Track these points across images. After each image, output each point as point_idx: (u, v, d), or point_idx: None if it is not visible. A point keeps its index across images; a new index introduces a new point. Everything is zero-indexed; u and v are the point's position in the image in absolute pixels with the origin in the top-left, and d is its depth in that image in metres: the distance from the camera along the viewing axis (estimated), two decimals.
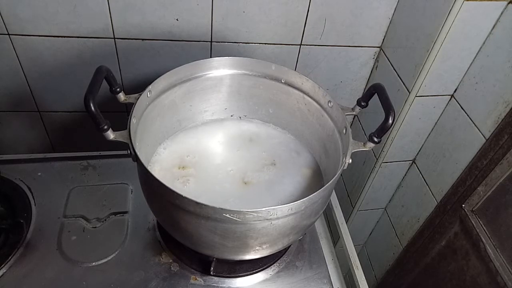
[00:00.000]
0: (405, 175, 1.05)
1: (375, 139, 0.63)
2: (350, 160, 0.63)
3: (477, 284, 0.79)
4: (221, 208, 0.53)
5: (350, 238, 0.87)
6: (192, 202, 0.53)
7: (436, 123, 0.91)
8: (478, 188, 0.78)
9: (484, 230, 0.77)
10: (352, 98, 1.05)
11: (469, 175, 0.81)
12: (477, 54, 0.78)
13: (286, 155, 0.83)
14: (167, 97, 0.75)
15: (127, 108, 0.95)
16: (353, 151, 0.64)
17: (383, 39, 0.93)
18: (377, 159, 1.00)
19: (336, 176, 0.61)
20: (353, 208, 1.16)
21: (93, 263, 0.72)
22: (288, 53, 0.92)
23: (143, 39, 0.83)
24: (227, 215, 0.54)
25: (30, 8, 0.75)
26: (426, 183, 0.96)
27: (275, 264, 0.77)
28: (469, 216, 0.80)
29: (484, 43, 0.76)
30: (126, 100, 0.67)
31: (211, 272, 0.73)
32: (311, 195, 0.56)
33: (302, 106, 0.80)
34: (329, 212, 0.95)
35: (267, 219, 0.56)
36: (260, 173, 0.78)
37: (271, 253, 0.68)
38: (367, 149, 0.65)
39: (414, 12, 0.82)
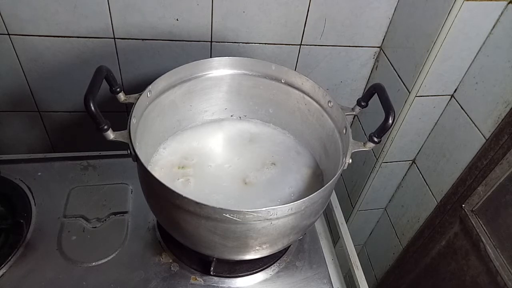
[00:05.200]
0: (405, 175, 1.05)
1: (375, 139, 0.63)
2: (350, 160, 0.63)
3: (477, 284, 0.79)
4: (221, 208, 0.53)
5: (350, 238, 0.87)
6: (192, 202, 0.53)
7: (436, 123, 0.91)
8: (478, 188, 0.78)
9: (484, 230, 0.77)
10: (352, 98, 1.05)
11: (469, 175, 0.81)
12: (477, 54, 0.78)
13: (286, 155, 0.82)
14: (167, 97, 0.75)
15: (127, 108, 0.95)
16: (353, 151, 0.64)
17: (383, 39, 0.93)
18: (377, 159, 1.01)
19: (336, 176, 0.61)
20: (353, 208, 1.16)
21: (93, 263, 0.72)
22: (288, 53, 0.92)
23: (143, 39, 0.83)
24: (227, 215, 0.54)
25: (30, 8, 0.75)
26: (426, 183, 0.96)
27: (275, 264, 0.77)
28: (469, 216, 0.80)
29: (484, 43, 0.76)
30: (126, 100, 0.67)
31: (211, 272, 0.73)
32: (311, 195, 0.57)
33: (302, 106, 0.80)
34: (329, 212, 0.95)
35: (267, 219, 0.56)
36: (260, 173, 0.78)
37: (271, 253, 0.68)
38: (367, 149, 0.65)
39: (414, 12, 0.82)
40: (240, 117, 0.88)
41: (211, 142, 0.83)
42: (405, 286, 1.06)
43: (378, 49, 0.95)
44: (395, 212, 1.11)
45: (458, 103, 0.84)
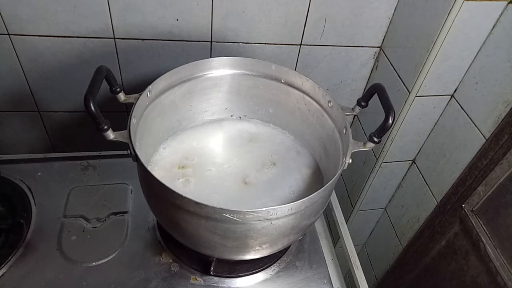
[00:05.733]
0: (405, 175, 1.05)
1: (375, 139, 0.63)
2: (350, 160, 0.64)
3: (477, 284, 0.79)
4: (221, 208, 0.53)
5: (350, 238, 0.87)
6: (192, 202, 0.53)
7: (436, 123, 0.91)
8: (478, 188, 0.78)
9: (484, 230, 0.77)
10: (352, 98, 1.05)
11: (469, 175, 0.81)
12: (477, 54, 0.78)
13: (286, 155, 0.82)
14: (167, 97, 0.75)
15: (127, 108, 0.95)
16: (353, 151, 0.64)
17: (383, 39, 0.93)
18: (377, 159, 1.01)
19: (336, 176, 0.61)
20: (353, 208, 1.16)
21: (93, 263, 0.72)
22: (288, 53, 0.92)
23: (143, 39, 0.83)
24: (227, 215, 0.54)
25: (30, 8, 0.75)
26: (426, 183, 0.96)
27: (275, 264, 0.77)
28: (469, 216, 0.80)
29: (484, 43, 0.76)
30: (126, 100, 0.67)
31: (211, 272, 0.73)
32: (311, 195, 0.57)
33: (302, 106, 0.80)
34: (329, 212, 0.95)
35: (267, 219, 0.56)
36: (260, 173, 0.78)
37: (271, 253, 0.68)
38: (367, 149, 0.65)
39: (414, 12, 0.82)
40: (240, 117, 0.88)
41: (211, 142, 0.83)
42: (405, 286, 1.06)
43: (378, 49, 0.95)
44: (395, 212, 1.11)
45: (458, 103, 0.84)
